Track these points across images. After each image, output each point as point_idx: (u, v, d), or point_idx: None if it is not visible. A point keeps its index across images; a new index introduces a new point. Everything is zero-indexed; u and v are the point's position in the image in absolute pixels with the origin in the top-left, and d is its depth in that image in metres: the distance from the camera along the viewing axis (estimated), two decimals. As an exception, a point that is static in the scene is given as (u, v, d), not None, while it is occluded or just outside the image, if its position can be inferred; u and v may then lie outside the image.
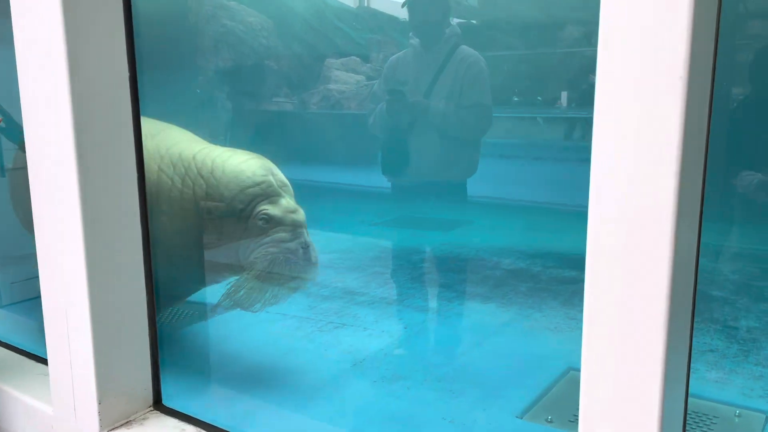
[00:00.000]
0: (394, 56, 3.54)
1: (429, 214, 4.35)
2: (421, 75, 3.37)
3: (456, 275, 3.53)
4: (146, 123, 2.26)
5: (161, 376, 1.69)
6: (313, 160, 5.63)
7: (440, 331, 2.74)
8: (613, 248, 0.92)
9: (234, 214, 2.06)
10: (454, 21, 7.48)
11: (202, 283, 2.26)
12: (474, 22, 7.87)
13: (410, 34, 3.47)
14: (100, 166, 1.52)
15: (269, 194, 2.07)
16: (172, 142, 2.22)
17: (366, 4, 9.06)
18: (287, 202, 2.11)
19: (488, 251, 3.90)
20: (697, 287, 0.98)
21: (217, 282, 2.20)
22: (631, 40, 0.91)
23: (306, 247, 2.07)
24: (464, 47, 3.32)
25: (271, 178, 2.12)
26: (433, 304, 3.05)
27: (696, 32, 0.84)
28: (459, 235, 4.21)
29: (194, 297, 2.33)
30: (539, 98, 6.59)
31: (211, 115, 5.45)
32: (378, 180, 3.79)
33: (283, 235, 2.05)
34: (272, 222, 2.04)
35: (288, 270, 2.04)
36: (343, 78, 6.98)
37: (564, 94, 6.08)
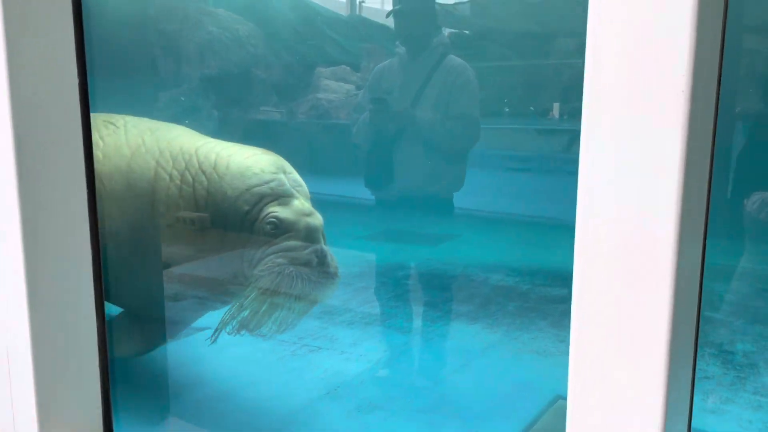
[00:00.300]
0: (379, 65, 3.42)
1: (415, 228, 4.23)
2: (407, 85, 3.25)
3: (441, 293, 3.40)
4: (144, 121, 2.11)
5: (113, 406, 1.57)
6: (299, 170, 5.46)
7: (422, 355, 2.61)
8: (605, 272, 0.80)
9: (238, 216, 1.79)
10: (446, 31, 7.39)
11: (203, 300, 2.02)
12: (467, 32, 7.79)
13: (396, 42, 3.36)
14: (43, 180, 1.39)
15: (279, 194, 1.81)
16: (174, 136, 2.02)
17: (357, 12, 8.97)
18: (301, 203, 1.84)
19: (476, 267, 3.77)
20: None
21: (218, 301, 1.98)
22: (625, 49, 0.79)
23: (322, 256, 1.78)
24: (452, 57, 3.21)
25: (282, 176, 1.86)
26: (416, 324, 2.92)
27: (700, 39, 0.71)
28: (446, 249, 4.08)
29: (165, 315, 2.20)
30: (531, 109, 6.50)
31: (197, 124, 5.33)
32: (365, 191, 3.66)
33: (294, 243, 1.76)
34: (282, 227, 1.77)
35: (300, 285, 1.74)
36: (333, 87, 6.87)
37: (556, 106, 6.00)
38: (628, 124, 0.79)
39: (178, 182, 1.86)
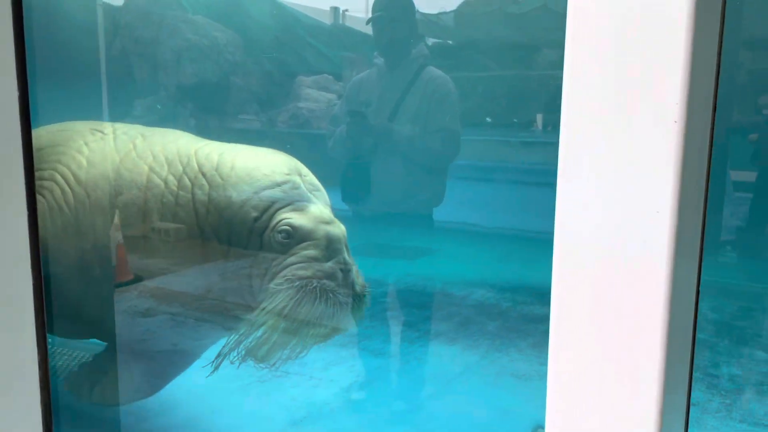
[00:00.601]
0: (357, 76, 3.33)
1: (394, 242, 4.13)
2: (385, 96, 3.16)
3: (419, 311, 3.30)
4: (135, 127, 1.95)
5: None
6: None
7: (397, 381, 2.50)
8: (585, 302, 0.72)
9: (245, 225, 1.54)
10: (430, 41, 7.34)
11: (208, 323, 1.68)
12: (450, 42, 7.76)
13: (375, 53, 3.27)
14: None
15: (294, 199, 1.55)
16: (169, 140, 1.81)
17: (341, 21, 8.91)
18: (319, 210, 1.59)
19: (456, 284, 3.68)
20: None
21: (220, 324, 1.67)
22: (607, 72, 0.71)
23: (347, 269, 1.53)
24: (431, 68, 3.12)
25: (297, 178, 1.60)
26: (392, 347, 2.81)
27: (696, 65, 0.63)
28: (425, 265, 3.99)
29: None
30: (515, 120, 6.46)
31: (173, 133, 5.20)
32: (342, 205, 3.56)
33: (313, 252, 1.48)
34: (297, 236, 1.50)
35: (325, 304, 1.46)
36: (314, 96, 6.78)
37: (540, 117, 5.97)
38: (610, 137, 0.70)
39: (174, 188, 1.62)
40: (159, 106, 5.13)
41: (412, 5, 3.18)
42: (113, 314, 1.77)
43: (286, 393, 2.16)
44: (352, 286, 1.52)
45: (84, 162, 1.84)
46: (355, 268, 1.58)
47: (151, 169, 1.68)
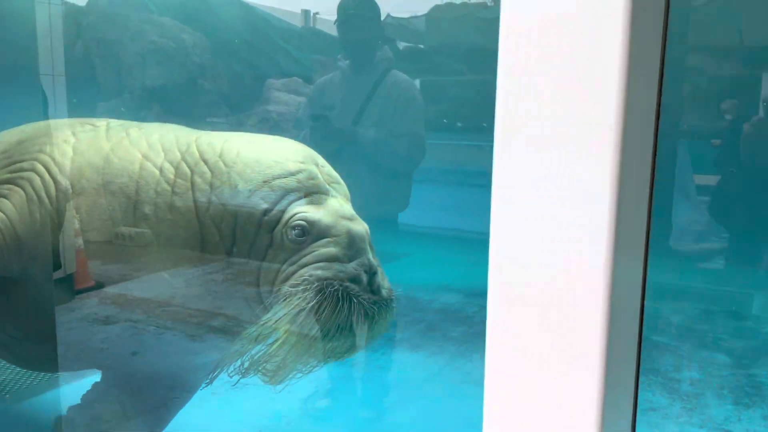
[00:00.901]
0: (321, 78, 3.29)
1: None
2: (350, 100, 3.13)
3: (385, 318, 3.27)
4: (130, 122, 1.83)
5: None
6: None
7: (359, 390, 2.46)
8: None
9: (253, 218, 1.36)
10: (401, 45, 7.34)
11: (208, 334, 1.48)
12: (421, 46, 7.77)
13: (339, 56, 3.23)
14: None
15: (310, 190, 1.38)
16: (167, 130, 1.67)
17: (311, 24, 8.87)
18: (339, 204, 1.43)
19: (422, 289, 3.66)
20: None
21: (219, 334, 1.46)
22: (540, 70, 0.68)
23: (372, 272, 1.36)
24: (396, 72, 3.09)
25: (313, 167, 1.43)
26: (355, 354, 2.77)
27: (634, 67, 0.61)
28: (392, 269, 3.94)
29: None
30: (485, 125, 6.48)
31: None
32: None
33: (333, 250, 1.32)
34: (314, 233, 1.33)
35: (347, 309, 1.27)
36: (284, 99, 6.72)
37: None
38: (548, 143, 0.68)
39: (171, 176, 1.43)
40: (123, 109, 5.02)
41: (377, 8, 3.15)
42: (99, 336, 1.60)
43: (241, 406, 2.09)
44: (378, 290, 1.35)
45: (69, 151, 1.67)
46: (380, 271, 1.42)
47: (145, 156, 1.50)
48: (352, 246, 1.35)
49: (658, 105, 0.73)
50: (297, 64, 7.62)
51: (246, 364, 1.34)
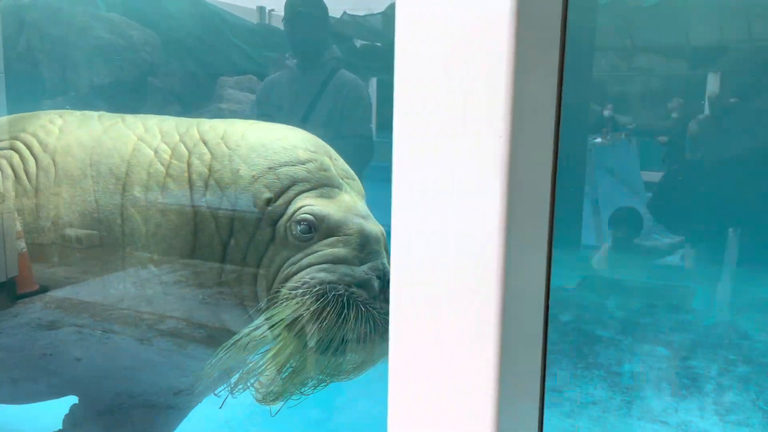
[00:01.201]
0: (268, 77, 3.26)
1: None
2: (297, 100, 3.10)
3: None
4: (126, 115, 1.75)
5: None
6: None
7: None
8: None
9: (255, 208, 1.22)
10: (358, 42, 7.32)
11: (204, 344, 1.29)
12: (378, 44, 7.76)
13: (286, 54, 3.21)
14: None
15: (321, 182, 1.24)
16: (167, 118, 1.59)
17: (267, 21, 8.77)
18: (353, 200, 1.28)
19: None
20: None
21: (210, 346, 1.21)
22: (436, 82, 0.69)
23: (386, 279, 1.15)
24: (344, 71, 3.09)
25: (326, 158, 1.29)
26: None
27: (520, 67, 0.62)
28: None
29: None
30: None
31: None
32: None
33: (342, 250, 1.17)
34: (322, 229, 1.18)
35: (353, 318, 1.10)
36: (237, 97, 6.63)
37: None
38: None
39: (166, 156, 1.29)
40: (68, 107, 4.89)
41: (324, 6, 3.14)
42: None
43: (193, 413, 2.04)
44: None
45: (56, 130, 1.56)
46: None
47: (140, 138, 1.37)
48: (365, 247, 1.19)
49: (559, 105, 0.74)
50: (251, 61, 7.53)
51: (233, 378, 1.13)
